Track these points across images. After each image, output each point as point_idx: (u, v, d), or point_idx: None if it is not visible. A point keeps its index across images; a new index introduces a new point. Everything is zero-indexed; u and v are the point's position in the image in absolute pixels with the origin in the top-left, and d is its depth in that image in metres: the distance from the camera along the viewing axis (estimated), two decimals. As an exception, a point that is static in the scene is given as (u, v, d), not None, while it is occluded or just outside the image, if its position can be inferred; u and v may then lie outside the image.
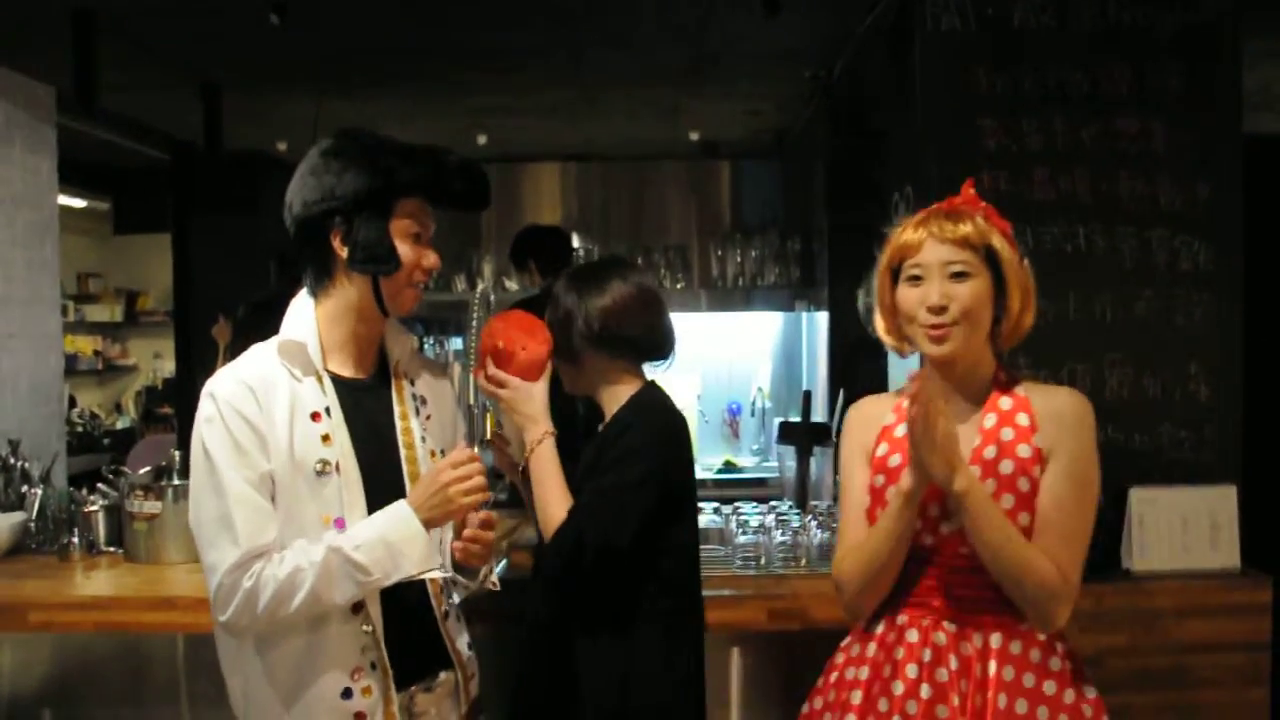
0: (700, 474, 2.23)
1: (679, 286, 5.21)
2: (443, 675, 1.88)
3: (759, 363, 5.45)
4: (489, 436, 2.13)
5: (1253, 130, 2.80)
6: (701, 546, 2.69)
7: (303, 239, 1.82)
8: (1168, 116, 2.66)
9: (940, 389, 1.74)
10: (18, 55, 3.59)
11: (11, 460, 3.12)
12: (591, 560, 1.91)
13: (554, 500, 1.95)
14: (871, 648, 1.81)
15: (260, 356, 1.82)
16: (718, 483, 4.77)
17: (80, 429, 6.40)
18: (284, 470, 1.73)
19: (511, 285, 4.95)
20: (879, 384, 2.96)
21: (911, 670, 1.75)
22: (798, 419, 4.05)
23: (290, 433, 1.75)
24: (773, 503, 3.17)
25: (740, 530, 2.66)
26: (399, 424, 1.86)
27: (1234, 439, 2.69)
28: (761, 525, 2.71)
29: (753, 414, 5.38)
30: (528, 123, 5.46)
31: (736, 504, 2.96)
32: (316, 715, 1.75)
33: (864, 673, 1.80)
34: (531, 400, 1.99)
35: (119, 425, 7.12)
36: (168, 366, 7.61)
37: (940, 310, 1.71)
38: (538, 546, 2.04)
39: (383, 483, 1.80)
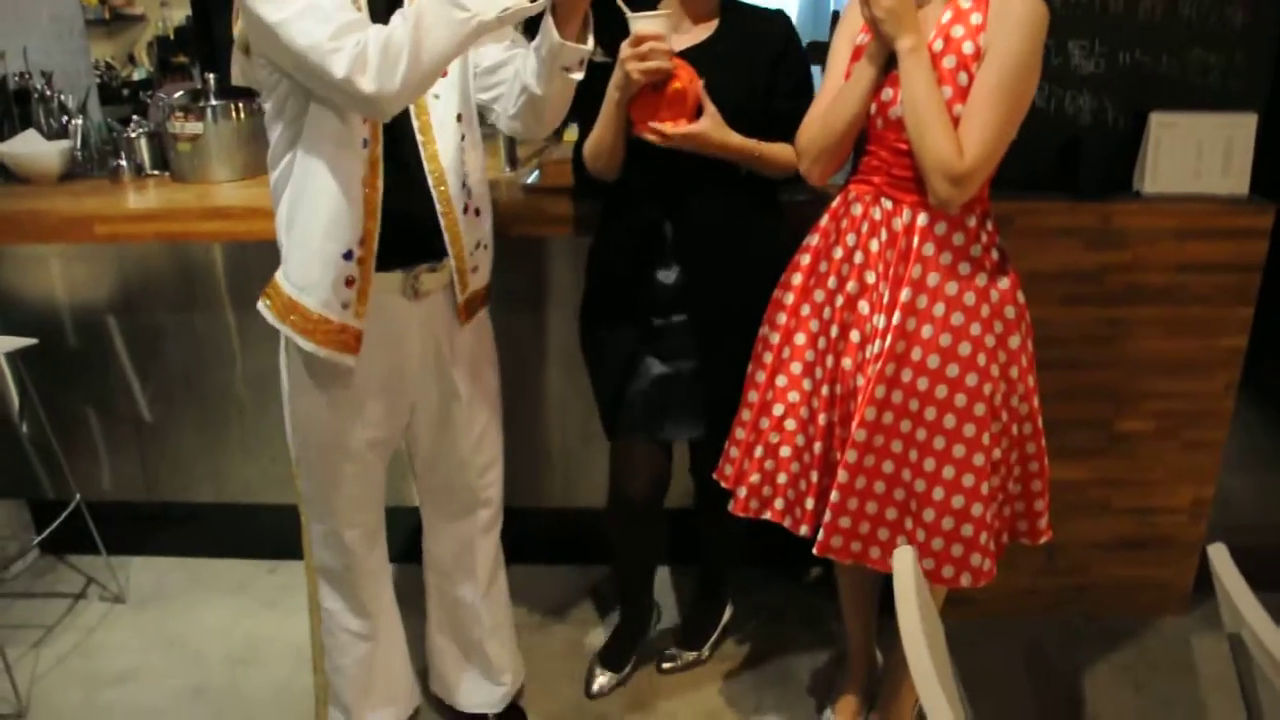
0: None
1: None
2: (446, 262, 2.01)
3: (788, -10, 5.23)
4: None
5: None
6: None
7: None
8: None
9: None
10: None
11: (48, 92, 3.15)
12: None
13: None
14: (825, 217, 2.01)
15: None
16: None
17: (98, 80, 6.35)
18: None
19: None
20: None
21: (850, 239, 1.95)
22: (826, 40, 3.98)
23: None
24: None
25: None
26: None
27: (1264, 67, 2.62)
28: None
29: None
30: None
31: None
32: (327, 271, 1.86)
33: (815, 239, 2.02)
34: None
35: (136, 77, 7.04)
36: (176, 15, 7.39)
37: None
38: None
39: None
